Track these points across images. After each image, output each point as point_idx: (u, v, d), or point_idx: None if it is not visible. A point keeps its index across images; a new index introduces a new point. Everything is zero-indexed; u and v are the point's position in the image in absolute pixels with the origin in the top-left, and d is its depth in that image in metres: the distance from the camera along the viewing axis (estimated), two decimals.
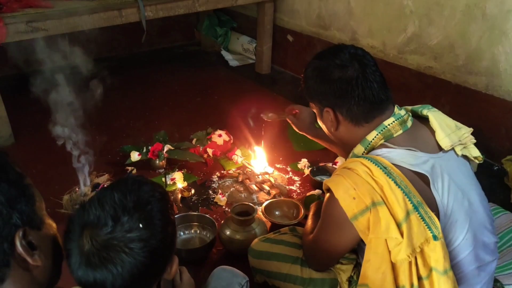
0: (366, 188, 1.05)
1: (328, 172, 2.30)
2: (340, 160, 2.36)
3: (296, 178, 2.34)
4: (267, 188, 2.21)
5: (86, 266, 0.80)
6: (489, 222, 1.21)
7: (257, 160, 2.40)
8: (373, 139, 1.16)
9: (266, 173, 2.33)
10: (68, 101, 2.03)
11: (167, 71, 3.67)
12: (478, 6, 2.29)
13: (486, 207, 1.21)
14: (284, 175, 2.35)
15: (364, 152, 1.18)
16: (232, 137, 2.54)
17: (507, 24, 2.20)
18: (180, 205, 2.09)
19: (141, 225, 0.81)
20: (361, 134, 1.19)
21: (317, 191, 2.16)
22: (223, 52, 3.97)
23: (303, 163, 2.38)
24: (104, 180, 2.15)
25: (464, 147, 1.21)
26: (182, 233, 1.88)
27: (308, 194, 2.17)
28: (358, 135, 1.19)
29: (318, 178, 2.25)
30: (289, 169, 2.41)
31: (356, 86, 1.15)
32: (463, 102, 2.46)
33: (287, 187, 2.26)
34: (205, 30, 4.01)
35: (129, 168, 2.32)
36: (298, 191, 2.24)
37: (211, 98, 3.23)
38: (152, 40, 3.96)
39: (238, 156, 2.41)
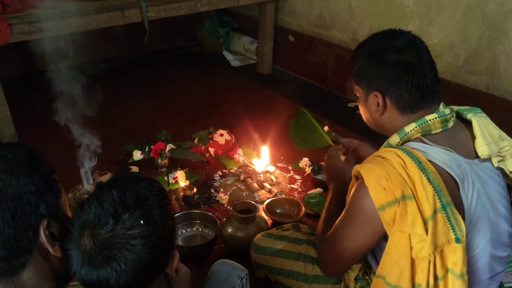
0: (398, 180, 1.02)
1: None
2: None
3: (297, 176, 2.36)
4: (269, 186, 2.22)
5: (89, 266, 0.80)
6: (508, 236, 1.18)
7: (259, 159, 2.41)
8: (410, 131, 1.13)
9: (268, 171, 2.34)
10: (71, 101, 2.05)
11: (169, 72, 3.69)
12: (478, 6, 2.30)
13: (509, 220, 1.18)
14: (285, 174, 2.37)
15: (398, 142, 1.15)
16: (233, 137, 2.55)
17: (507, 24, 2.22)
18: (182, 203, 2.11)
19: (142, 222, 0.81)
20: (402, 124, 1.15)
21: (318, 190, 2.18)
22: (225, 53, 3.99)
23: (304, 162, 2.40)
24: (107, 178, 2.17)
25: (502, 160, 1.16)
26: (184, 231, 1.89)
27: (309, 192, 2.18)
28: (399, 124, 1.16)
29: (319, 177, 2.26)
30: (290, 168, 2.43)
31: (412, 73, 1.11)
32: (463, 102, 2.46)
33: (289, 185, 2.28)
34: (207, 30, 4.03)
35: (132, 167, 2.34)
36: (300, 189, 2.26)
37: (212, 98, 3.25)
38: (154, 40, 3.96)
39: (239, 155, 2.42)
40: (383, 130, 1.22)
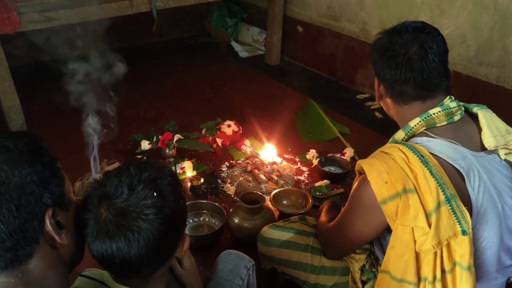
0: (399, 174, 1.04)
1: (336, 163, 2.30)
2: (348, 151, 2.37)
3: (304, 168, 2.35)
4: (276, 178, 2.22)
5: (104, 235, 0.82)
6: None
7: (266, 150, 2.41)
8: (415, 125, 1.15)
9: (275, 163, 2.34)
10: (80, 91, 2.06)
11: (177, 62, 3.69)
12: None
13: None
14: (292, 166, 2.37)
15: (404, 138, 1.17)
16: (241, 128, 2.55)
17: None
18: (190, 193, 2.12)
19: (155, 194, 0.85)
20: (402, 114, 1.19)
21: (324, 182, 2.18)
22: (233, 43, 3.97)
23: (312, 153, 2.39)
24: (114, 168, 2.19)
25: (510, 153, 1.16)
26: (191, 220, 1.90)
27: (316, 184, 2.18)
28: (399, 113, 1.21)
29: (326, 168, 2.26)
30: (297, 159, 2.42)
31: (406, 67, 1.14)
32: (473, 94, 2.44)
33: (295, 177, 2.27)
34: (215, 21, 4.02)
35: (140, 156, 2.35)
36: (306, 181, 2.26)
37: (220, 89, 3.24)
38: (162, 30, 3.98)
39: (247, 146, 2.42)
40: (392, 116, 1.27)
